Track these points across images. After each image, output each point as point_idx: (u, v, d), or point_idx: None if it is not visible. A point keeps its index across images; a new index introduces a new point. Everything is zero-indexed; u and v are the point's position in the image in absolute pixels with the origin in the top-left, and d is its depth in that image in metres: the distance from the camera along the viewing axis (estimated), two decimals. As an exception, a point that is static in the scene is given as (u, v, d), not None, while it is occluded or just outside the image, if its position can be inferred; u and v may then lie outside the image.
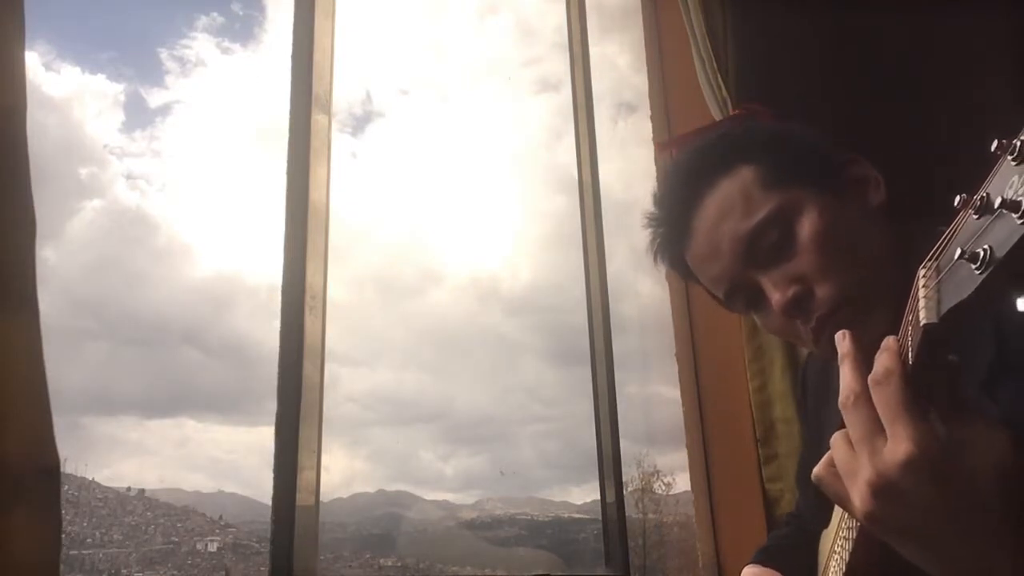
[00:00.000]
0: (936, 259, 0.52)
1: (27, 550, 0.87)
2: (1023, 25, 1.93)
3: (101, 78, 2.12)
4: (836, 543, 0.93)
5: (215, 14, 2.31)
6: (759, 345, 2.05)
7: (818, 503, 1.01)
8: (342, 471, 1.82)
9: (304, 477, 1.49)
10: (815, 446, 1.15)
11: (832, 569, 0.96)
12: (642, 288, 2.51)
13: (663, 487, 2.40)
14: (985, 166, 0.46)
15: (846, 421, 0.64)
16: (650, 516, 2.40)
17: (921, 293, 0.52)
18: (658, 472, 2.39)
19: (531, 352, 2.59)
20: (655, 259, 1.11)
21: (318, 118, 1.71)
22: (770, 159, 0.98)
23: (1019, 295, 0.48)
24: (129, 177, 2.12)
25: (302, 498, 1.48)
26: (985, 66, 2.01)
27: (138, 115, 2.13)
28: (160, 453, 1.93)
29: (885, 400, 0.60)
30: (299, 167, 1.65)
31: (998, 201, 0.43)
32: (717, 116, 2.05)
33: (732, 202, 0.97)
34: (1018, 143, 0.43)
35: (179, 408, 1.96)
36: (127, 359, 1.95)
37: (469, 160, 2.52)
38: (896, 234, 0.95)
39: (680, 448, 2.16)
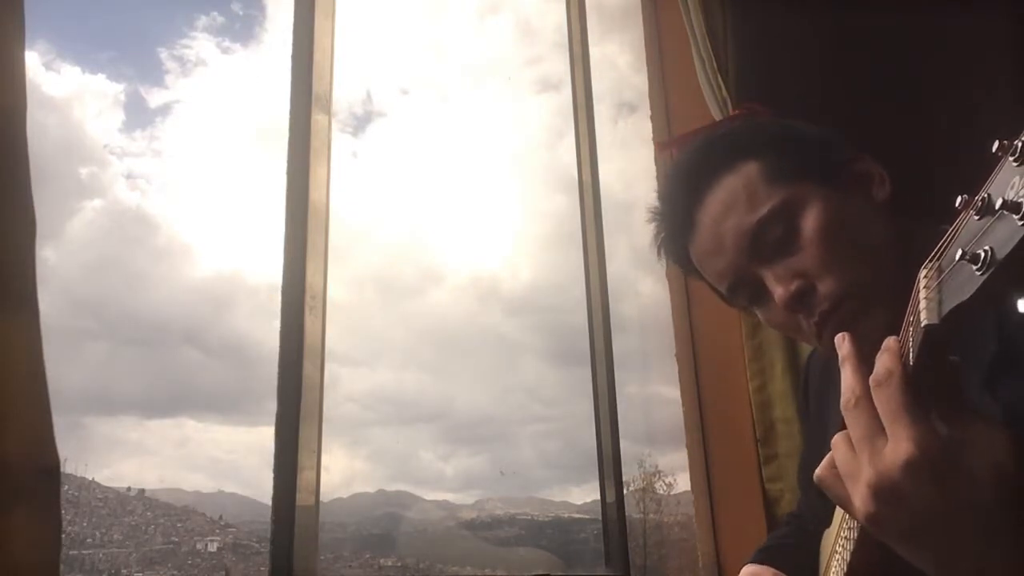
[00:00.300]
0: (937, 260, 0.52)
1: (27, 550, 0.87)
2: (1023, 25, 1.93)
3: (101, 78, 2.12)
4: (837, 543, 0.93)
5: (215, 14, 2.31)
6: (759, 345, 2.05)
7: (819, 503, 1.01)
8: (342, 471, 1.82)
9: (304, 477, 1.49)
10: (817, 445, 1.15)
11: (833, 569, 0.96)
12: (642, 288, 2.51)
13: (665, 487, 2.40)
14: (984, 166, 0.46)
15: (847, 422, 0.64)
16: (651, 516, 2.40)
17: (922, 294, 0.52)
18: (660, 472, 2.40)
19: (531, 352, 2.60)
20: (658, 253, 1.11)
21: (318, 118, 1.70)
22: (775, 154, 0.98)
23: (1021, 295, 0.48)
24: (129, 177, 2.12)
25: (302, 498, 1.48)
26: (985, 66, 2.01)
27: (138, 115, 2.13)
28: (160, 453, 1.93)
29: (885, 401, 0.60)
30: (299, 167, 1.65)
31: (999, 202, 0.43)
32: (717, 116, 2.05)
33: (736, 196, 0.97)
34: (1019, 144, 0.43)
35: (179, 408, 1.96)
36: (127, 359, 1.95)
37: (469, 160, 2.52)
38: (899, 231, 0.95)
39: (680, 448, 2.16)
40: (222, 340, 2.10)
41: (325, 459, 1.55)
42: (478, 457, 2.40)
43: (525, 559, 2.35)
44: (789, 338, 2.01)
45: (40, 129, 1.06)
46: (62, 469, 0.92)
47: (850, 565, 0.83)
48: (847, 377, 0.65)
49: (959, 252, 0.46)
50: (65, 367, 1.33)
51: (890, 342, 0.62)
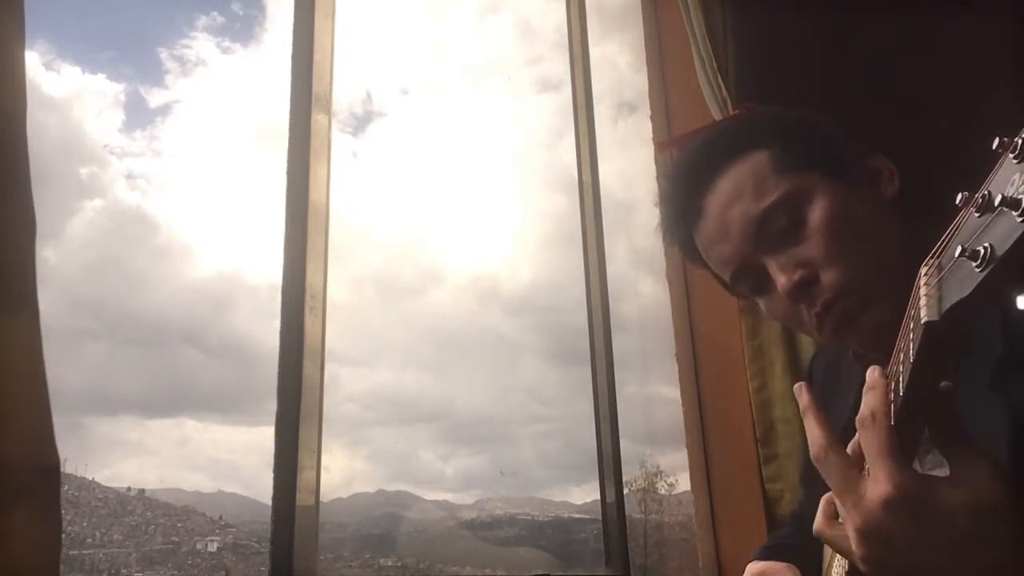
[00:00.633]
0: (938, 257, 0.52)
1: (27, 550, 0.87)
2: (1023, 25, 1.93)
3: (101, 78, 2.12)
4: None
5: (215, 14, 2.31)
6: (759, 345, 2.05)
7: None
8: (342, 471, 1.82)
9: (304, 477, 1.49)
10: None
11: (836, 566, 0.96)
12: (642, 288, 2.51)
13: (666, 487, 2.40)
14: (984, 165, 0.46)
15: (823, 474, 0.67)
16: (652, 516, 2.40)
17: (923, 291, 0.52)
18: (661, 472, 2.40)
19: (531, 352, 2.60)
20: (664, 238, 1.10)
21: (318, 118, 1.71)
22: (785, 144, 0.98)
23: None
24: (129, 177, 2.12)
25: (302, 498, 1.48)
26: (985, 66, 2.01)
27: (138, 115, 2.13)
28: (160, 453, 1.93)
29: (867, 442, 0.63)
30: (299, 167, 1.65)
31: (999, 199, 0.43)
32: (717, 116, 2.05)
33: (744, 184, 0.97)
34: (1019, 141, 0.43)
35: (179, 408, 1.96)
36: (127, 359, 1.95)
37: (469, 160, 2.52)
38: (905, 228, 0.95)
39: (680, 448, 2.16)
40: (222, 340, 2.10)
41: (325, 459, 1.55)
42: (478, 457, 2.41)
43: (525, 559, 2.35)
44: (789, 338, 2.01)
45: (40, 129, 1.06)
46: (62, 469, 0.92)
47: (851, 564, 0.83)
48: (812, 429, 0.68)
49: (959, 249, 0.46)
50: (65, 367, 1.34)
51: (875, 377, 0.64)
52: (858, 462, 0.66)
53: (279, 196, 1.64)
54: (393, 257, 2.41)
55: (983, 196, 0.44)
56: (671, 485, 2.39)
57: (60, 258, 1.92)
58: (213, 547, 1.91)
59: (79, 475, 1.72)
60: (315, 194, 1.65)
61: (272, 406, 1.51)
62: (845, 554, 0.69)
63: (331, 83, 1.77)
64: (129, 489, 1.93)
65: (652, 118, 2.38)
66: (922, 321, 0.51)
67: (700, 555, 2.08)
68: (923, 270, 0.53)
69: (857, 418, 0.64)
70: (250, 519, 1.95)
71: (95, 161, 2.11)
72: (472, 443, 2.38)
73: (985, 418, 0.71)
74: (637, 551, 2.25)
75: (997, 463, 0.61)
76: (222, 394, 2.03)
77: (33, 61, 1.82)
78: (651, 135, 2.36)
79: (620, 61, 2.73)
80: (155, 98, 2.17)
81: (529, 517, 2.39)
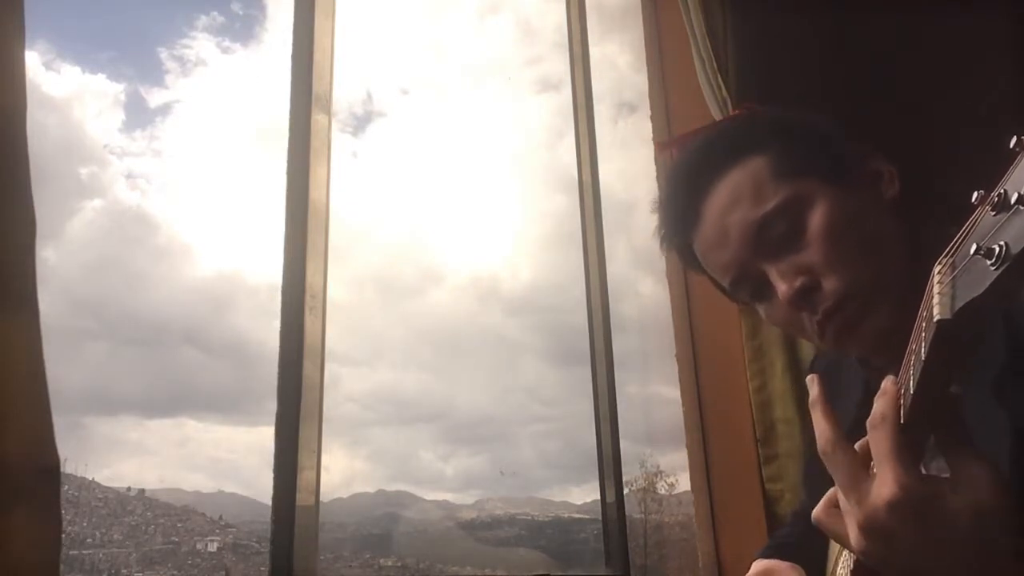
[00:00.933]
0: (952, 255, 0.51)
1: (27, 550, 0.86)
2: (1023, 25, 1.93)
3: (101, 78, 2.12)
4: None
5: (215, 14, 2.30)
6: (759, 345, 2.05)
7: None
8: (342, 471, 1.82)
9: (304, 477, 1.49)
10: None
11: (842, 563, 0.96)
12: (642, 288, 2.51)
13: (666, 487, 2.40)
14: (984, 165, 0.46)
15: (828, 469, 0.68)
16: (652, 516, 2.40)
17: (936, 289, 0.52)
18: (661, 472, 2.40)
19: (531, 352, 2.59)
20: (662, 245, 1.09)
21: (318, 118, 1.70)
22: (783, 149, 0.97)
23: None
24: (129, 177, 2.12)
25: (302, 498, 1.47)
26: (985, 66, 2.01)
27: (138, 115, 2.13)
28: (160, 453, 1.93)
29: (877, 443, 0.64)
30: (299, 167, 1.65)
31: (1015, 197, 0.42)
32: (717, 116, 2.05)
33: (743, 190, 0.96)
34: (1037, 141, 0.42)
35: (179, 408, 1.95)
36: (127, 359, 1.95)
37: (469, 160, 2.52)
38: (906, 230, 0.94)
39: (680, 448, 2.16)
40: (222, 340, 2.10)
41: (325, 459, 1.55)
42: (478, 457, 2.40)
43: (525, 559, 2.35)
44: (789, 339, 2.01)
45: (40, 129, 1.06)
46: (62, 469, 0.92)
47: (856, 561, 0.83)
48: (820, 424, 0.69)
49: (974, 247, 0.46)
50: (65, 367, 1.33)
51: (888, 385, 0.65)
52: (865, 460, 0.67)
53: (279, 196, 1.64)
54: (393, 257, 2.41)
55: (999, 195, 0.44)
56: (671, 485, 2.39)
57: (60, 258, 1.92)
58: (213, 547, 1.90)
59: (79, 475, 1.72)
60: (315, 194, 1.65)
61: (272, 406, 1.51)
62: (843, 542, 0.70)
63: (331, 83, 1.77)
64: (129, 489, 1.92)
65: (652, 118, 2.38)
66: (934, 319, 0.51)
67: (700, 555, 2.08)
68: (937, 268, 0.53)
69: (868, 420, 0.64)
70: (250, 519, 1.95)
71: (95, 161, 2.11)
72: (472, 443, 2.38)
73: (988, 425, 0.71)
74: (637, 551, 2.25)
75: (999, 470, 0.62)
76: (222, 394, 2.03)
77: (33, 61, 1.81)
78: (651, 135, 2.36)
79: (620, 61, 2.73)
80: (155, 98, 2.17)
81: (529, 517, 2.39)
